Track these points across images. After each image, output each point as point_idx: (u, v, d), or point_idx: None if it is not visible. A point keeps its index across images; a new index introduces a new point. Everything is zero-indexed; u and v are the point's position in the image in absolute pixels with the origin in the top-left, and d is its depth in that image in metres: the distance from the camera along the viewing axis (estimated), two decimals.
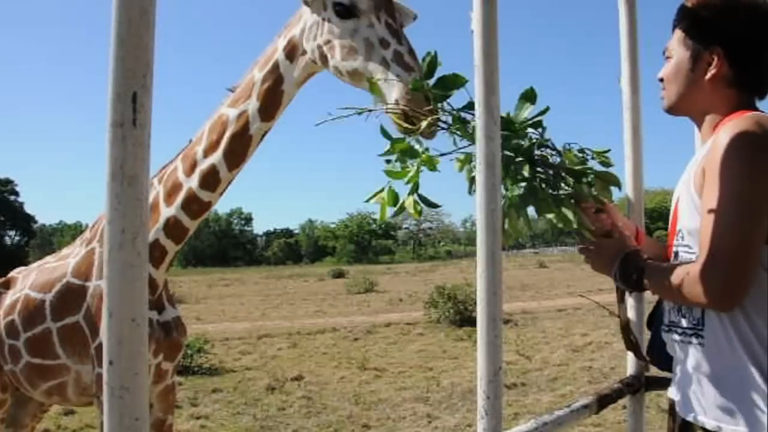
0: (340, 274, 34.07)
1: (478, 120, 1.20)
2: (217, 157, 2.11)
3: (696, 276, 1.30)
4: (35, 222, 67.37)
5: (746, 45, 1.43)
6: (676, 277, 1.36)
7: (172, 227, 2.20)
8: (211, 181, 2.13)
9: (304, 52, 2.01)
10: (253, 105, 2.07)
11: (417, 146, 1.46)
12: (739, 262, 1.27)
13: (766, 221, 1.29)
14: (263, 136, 2.12)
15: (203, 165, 2.13)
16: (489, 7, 1.20)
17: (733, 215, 1.27)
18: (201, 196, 2.15)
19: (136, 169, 0.79)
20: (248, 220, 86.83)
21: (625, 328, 1.68)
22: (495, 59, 1.21)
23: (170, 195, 2.19)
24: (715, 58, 1.43)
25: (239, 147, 2.10)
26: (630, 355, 1.93)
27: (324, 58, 1.93)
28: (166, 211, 2.19)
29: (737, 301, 1.31)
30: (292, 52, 2.04)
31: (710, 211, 1.31)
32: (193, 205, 2.17)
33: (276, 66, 2.05)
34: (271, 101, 2.07)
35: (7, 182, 61.16)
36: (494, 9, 1.20)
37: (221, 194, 2.20)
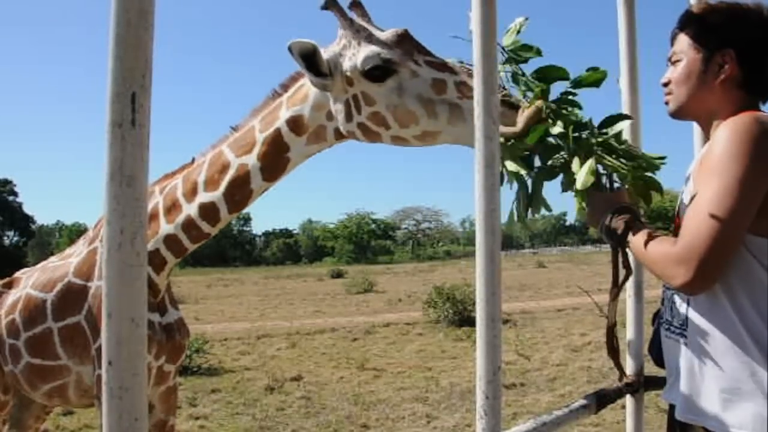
0: (339, 274, 34.04)
1: (477, 120, 1.20)
2: (217, 196, 2.10)
3: (672, 258, 1.34)
4: (34, 222, 67.22)
5: (757, 46, 1.45)
6: (654, 251, 1.40)
7: (172, 243, 2.21)
8: (212, 216, 2.14)
9: (321, 130, 1.93)
10: (254, 163, 2.03)
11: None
12: (715, 256, 1.30)
13: (750, 218, 1.31)
14: (264, 191, 2.11)
15: (204, 198, 2.13)
16: (488, 8, 1.20)
17: (718, 209, 1.29)
18: (201, 226, 2.17)
19: (135, 169, 0.79)
20: (247, 220, 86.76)
21: (610, 330, 1.66)
22: (494, 59, 1.21)
23: (170, 212, 2.20)
24: (727, 60, 1.45)
25: (240, 196, 2.09)
26: (629, 355, 1.93)
27: (374, 134, 1.78)
28: (166, 227, 2.20)
29: (704, 290, 1.37)
30: (298, 127, 1.96)
31: (699, 199, 1.34)
32: (193, 231, 2.18)
33: (279, 134, 1.99)
34: (275, 166, 2.04)
35: (6, 183, 61.00)
36: (493, 9, 1.20)
37: (221, 228, 2.21)
